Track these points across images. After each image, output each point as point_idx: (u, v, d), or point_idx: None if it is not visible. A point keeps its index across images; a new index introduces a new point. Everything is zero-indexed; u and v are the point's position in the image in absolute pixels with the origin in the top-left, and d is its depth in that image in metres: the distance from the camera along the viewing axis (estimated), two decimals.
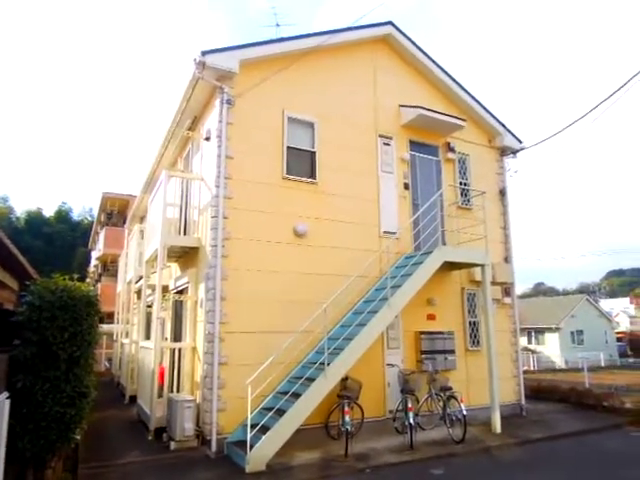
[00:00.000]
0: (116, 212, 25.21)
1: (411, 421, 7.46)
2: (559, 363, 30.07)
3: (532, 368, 27.37)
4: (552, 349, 32.28)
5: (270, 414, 7.00)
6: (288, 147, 8.99)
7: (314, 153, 9.26)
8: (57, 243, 51.42)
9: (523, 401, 10.84)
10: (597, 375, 20.23)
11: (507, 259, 11.39)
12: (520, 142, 11.87)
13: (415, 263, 8.80)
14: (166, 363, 9.82)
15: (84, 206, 75.51)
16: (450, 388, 8.52)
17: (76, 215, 59.36)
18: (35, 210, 54.65)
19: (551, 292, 62.57)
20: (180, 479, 6.28)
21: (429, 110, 10.13)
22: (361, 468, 6.78)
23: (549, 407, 11.53)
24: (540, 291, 66.46)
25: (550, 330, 32.63)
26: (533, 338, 33.85)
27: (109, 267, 24.75)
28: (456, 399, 8.20)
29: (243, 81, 8.67)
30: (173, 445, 7.47)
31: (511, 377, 10.90)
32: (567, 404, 11.68)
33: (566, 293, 54.06)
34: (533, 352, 30.13)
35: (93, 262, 29.61)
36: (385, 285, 8.54)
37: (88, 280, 32.74)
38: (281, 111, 9.05)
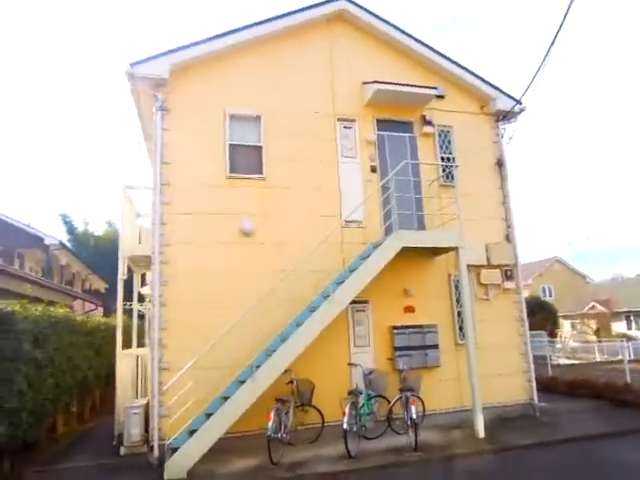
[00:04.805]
0: None
1: (345, 426, 6.79)
2: None
3: (628, 357, 23.81)
4: None
5: (191, 421, 6.85)
6: (230, 145, 8.77)
7: (261, 147, 8.93)
8: None
9: (536, 399, 9.41)
10: None
11: (509, 238, 9.99)
12: (519, 103, 10.35)
13: (366, 256, 8.06)
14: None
15: None
16: (412, 389, 7.66)
17: None
18: None
19: None
20: None
21: (388, 83, 9.26)
22: (284, 478, 6.35)
23: (577, 405, 9.90)
24: None
25: None
26: (633, 323, 29.51)
27: None
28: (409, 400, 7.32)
29: (180, 85, 8.64)
30: (123, 450, 7.66)
31: (520, 372, 9.52)
32: (605, 402, 9.93)
33: None
34: (630, 339, 26.25)
35: None
36: (343, 279, 8.00)
37: None
38: (222, 109, 8.84)
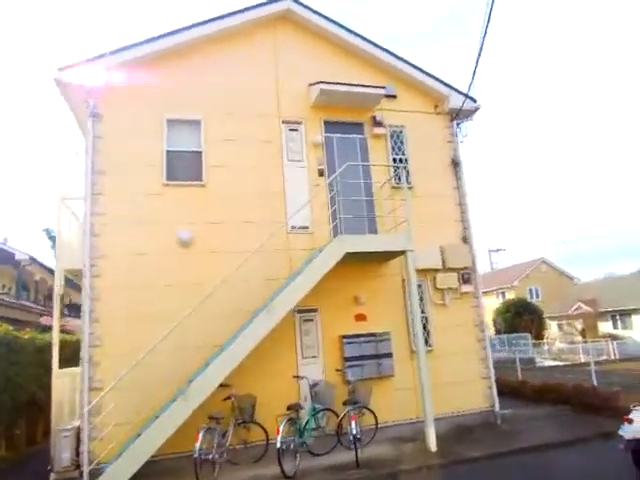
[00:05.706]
0: None
1: (278, 445, 6.39)
2: None
3: (612, 357, 23.59)
4: None
5: (117, 443, 6.43)
6: (168, 151, 8.42)
7: (200, 153, 8.58)
8: None
9: (497, 407, 9.03)
10: None
11: (465, 239, 9.66)
12: (474, 101, 10.08)
13: (309, 261, 7.70)
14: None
15: None
16: (356, 402, 7.27)
17: None
18: None
19: None
20: None
21: (332, 83, 8.95)
22: None
23: (541, 412, 9.52)
24: None
25: (638, 311, 27.83)
26: (619, 322, 29.15)
27: None
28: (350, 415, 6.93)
29: (113, 90, 8.29)
30: (53, 477, 7.21)
31: (479, 379, 9.15)
32: (570, 407, 9.55)
33: None
34: (615, 338, 25.93)
35: None
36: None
37: None
38: (160, 114, 8.50)
